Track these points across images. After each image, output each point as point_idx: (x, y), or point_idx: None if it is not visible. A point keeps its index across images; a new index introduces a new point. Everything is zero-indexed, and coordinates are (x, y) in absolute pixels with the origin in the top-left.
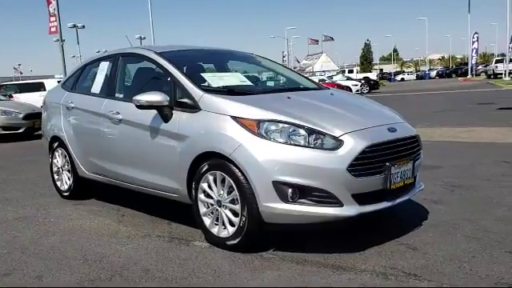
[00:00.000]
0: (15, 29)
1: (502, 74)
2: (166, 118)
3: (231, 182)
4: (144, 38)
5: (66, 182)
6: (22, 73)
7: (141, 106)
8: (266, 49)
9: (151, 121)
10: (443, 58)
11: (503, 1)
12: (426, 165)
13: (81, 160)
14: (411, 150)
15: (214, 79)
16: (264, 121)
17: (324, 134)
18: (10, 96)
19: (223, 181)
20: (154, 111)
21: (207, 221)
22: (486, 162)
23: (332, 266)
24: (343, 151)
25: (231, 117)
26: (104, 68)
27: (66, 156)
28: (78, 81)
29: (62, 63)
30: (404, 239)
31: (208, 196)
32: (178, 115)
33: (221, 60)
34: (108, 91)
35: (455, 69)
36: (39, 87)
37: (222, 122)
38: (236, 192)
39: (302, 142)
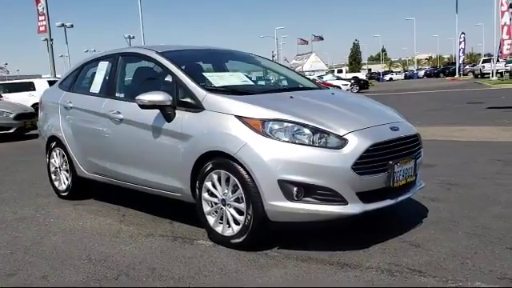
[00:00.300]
0: (1, 28)
1: (489, 73)
2: (169, 118)
3: (236, 180)
4: (133, 37)
5: (64, 182)
6: (8, 72)
7: (144, 106)
8: (256, 49)
9: (154, 120)
10: (430, 57)
11: (489, 1)
12: (422, 163)
13: (80, 160)
14: (413, 149)
15: (216, 79)
16: (269, 120)
17: (328, 133)
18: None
19: (228, 180)
20: (156, 111)
21: (211, 219)
22: (480, 160)
23: (337, 264)
24: (348, 150)
25: (236, 116)
26: (103, 68)
27: (64, 156)
28: (76, 80)
29: (51, 63)
30: (406, 236)
31: (212, 195)
32: (181, 115)
33: (220, 60)
34: (108, 91)
35: (443, 68)
36: (29, 87)
37: (227, 121)
38: (241, 191)
39: (307, 141)
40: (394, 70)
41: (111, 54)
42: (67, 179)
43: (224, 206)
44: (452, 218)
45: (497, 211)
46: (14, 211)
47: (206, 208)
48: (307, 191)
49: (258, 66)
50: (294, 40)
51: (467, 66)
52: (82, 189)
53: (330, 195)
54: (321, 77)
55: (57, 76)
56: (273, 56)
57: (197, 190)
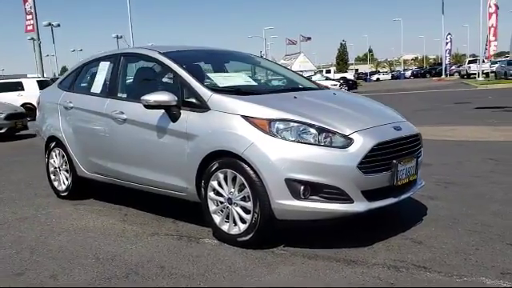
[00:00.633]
0: None
1: (475, 74)
2: (174, 118)
3: (243, 179)
4: (121, 36)
5: (63, 182)
6: None
7: (149, 106)
8: (244, 49)
9: (158, 120)
10: (417, 58)
11: (474, 2)
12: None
13: (80, 160)
14: (414, 148)
15: (220, 79)
16: (275, 120)
17: (334, 133)
18: None
19: (234, 179)
20: (161, 111)
21: (217, 218)
22: (474, 159)
23: (344, 261)
24: (353, 149)
25: (242, 116)
26: (104, 68)
27: (63, 156)
28: (75, 80)
29: (39, 62)
30: (408, 234)
31: (218, 194)
32: (185, 115)
33: (221, 60)
34: (110, 91)
35: (429, 69)
36: (17, 87)
37: (233, 121)
38: (248, 189)
39: (313, 141)
40: (381, 71)
41: (113, 54)
42: (67, 179)
43: (230, 204)
44: (451, 215)
45: (494, 209)
46: (14, 211)
47: (212, 207)
48: (314, 190)
49: (258, 66)
50: (283, 40)
51: (453, 67)
52: (81, 189)
53: (336, 193)
54: (309, 77)
55: (45, 75)
56: (261, 56)
57: (202, 190)
